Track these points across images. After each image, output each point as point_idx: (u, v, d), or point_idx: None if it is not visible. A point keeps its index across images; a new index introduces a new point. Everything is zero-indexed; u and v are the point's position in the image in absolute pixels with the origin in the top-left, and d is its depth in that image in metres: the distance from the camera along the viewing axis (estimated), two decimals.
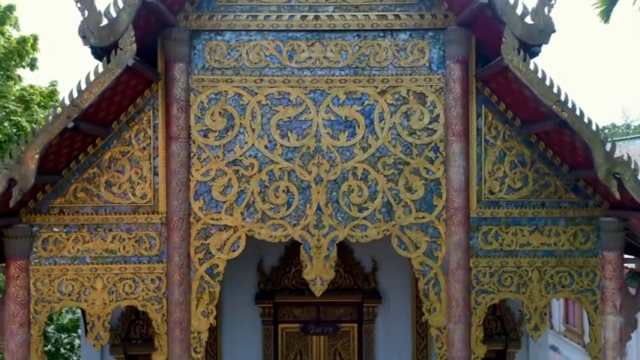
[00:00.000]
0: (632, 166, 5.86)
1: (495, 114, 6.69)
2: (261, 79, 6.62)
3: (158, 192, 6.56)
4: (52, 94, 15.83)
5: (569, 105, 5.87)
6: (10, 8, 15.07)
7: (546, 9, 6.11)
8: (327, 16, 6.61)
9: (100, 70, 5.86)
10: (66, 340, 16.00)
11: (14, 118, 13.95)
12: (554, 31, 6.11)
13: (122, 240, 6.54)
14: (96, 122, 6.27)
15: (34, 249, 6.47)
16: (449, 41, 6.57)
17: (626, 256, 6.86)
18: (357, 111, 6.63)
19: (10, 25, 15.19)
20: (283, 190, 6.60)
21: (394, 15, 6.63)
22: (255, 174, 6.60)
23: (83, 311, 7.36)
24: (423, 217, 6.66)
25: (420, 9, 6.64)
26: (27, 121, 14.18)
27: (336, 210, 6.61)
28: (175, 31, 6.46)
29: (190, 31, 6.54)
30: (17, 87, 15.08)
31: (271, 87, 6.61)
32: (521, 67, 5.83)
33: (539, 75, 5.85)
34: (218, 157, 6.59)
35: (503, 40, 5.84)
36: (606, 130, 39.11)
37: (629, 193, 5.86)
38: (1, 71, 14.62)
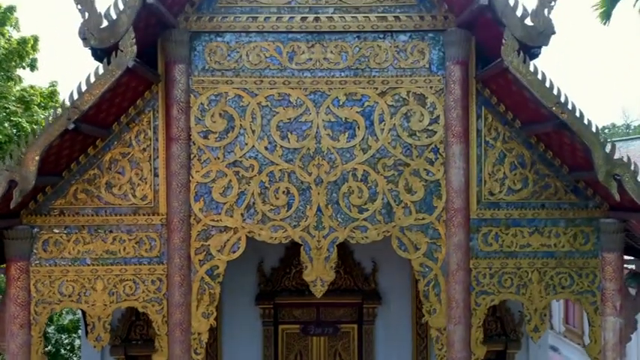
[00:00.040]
0: (632, 168, 5.87)
1: (495, 115, 6.69)
2: (262, 81, 6.62)
3: (158, 193, 6.57)
4: (52, 94, 15.83)
5: (569, 106, 5.88)
6: (11, 9, 15.07)
7: (546, 11, 6.12)
8: (327, 17, 6.62)
9: (101, 71, 5.86)
10: (66, 341, 16.01)
11: (14, 119, 13.96)
12: (553, 32, 6.12)
13: (122, 241, 6.55)
14: (96, 124, 6.28)
15: (35, 250, 6.48)
16: (449, 43, 6.57)
17: (625, 257, 6.87)
18: (357, 112, 6.64)
19: (11, 26, 15.18)
20: (283, 192, 6.61)
21: (394, 16, 6.64)
22: (255, 175, 6.60)
23: (84, 312, 7.38)
24: (423, 219, 6.66)
25: (420, 10, 6.65)
26: (27, 122, 14.18)
27: (336, 211, 6.62)
28: (175, 33, 6.46)
29: (190, 33, 6.55)
30: (17, 88, 15.08)
31: (271, 88, 6.62)
32: (521, 68, 5.84)
33: (539, 76, 5.86)
34: (218, 158, 6.60)
35: (503, 41, 5.85)
36: (606, 130, 39.12)
37: (629, 195, 5.86)
38: (1, 72, 14.62)
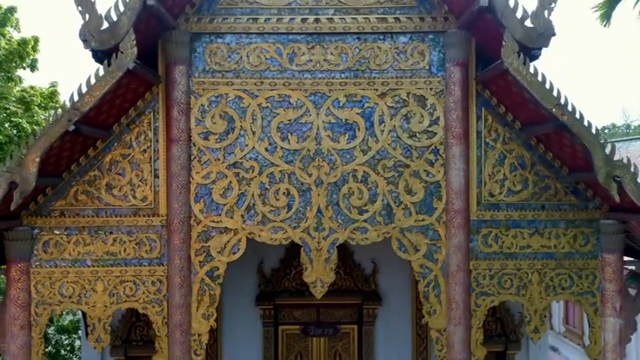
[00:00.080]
0: (632, 170, 5.87)
1: (495, 116, 6.70)
2: (262, 82, 6.63)
3: (159, 194, 6.57)
4: (52, 95, 15.83)
5: (569, 108, 5.89)
6: (12, 10, 15.07)
7: (546, 12, 6.11)
8: (327, 19, 6.63)
9: (101, 73, 5.87)
10: (66, 342, 16.01)
11: (15, 120, 13.96)
12: (554, 34, 6.12)
13: (123, 242, 6.56)
14: (97, 125, 6.29)
15: (35, 251, 6.48)
16: (449, 44, 6.58)
17: (625, 258, 6.88)
18: (357, 113, 6.65)
19: (11, 26, 15.18)
20: (284, 193, 6.61)
21: (394, 18, 6.64)
22: (255, 176, 6.61)
23: (84, 313, 7.38)
24: (423, 220, 6.67)
25: (420, 12, 6.66)
26: (27, 123, 14.18)
27: (337, 212, 6.62)
28: (176, 34, 6.47)
29: (191, 34, 6.56)
30: (18, 88, 15.08)
31: (272, 90, 6.62)
32: (521, 70, 5.84)
33: (539, 78, 5.87)
34: (218, 159, 6.61)
35: (503, 43, 5.85)
36: (606, 130, 39.12)
37: (629, 196, 5.87)
38: (1, 72, 14.62)
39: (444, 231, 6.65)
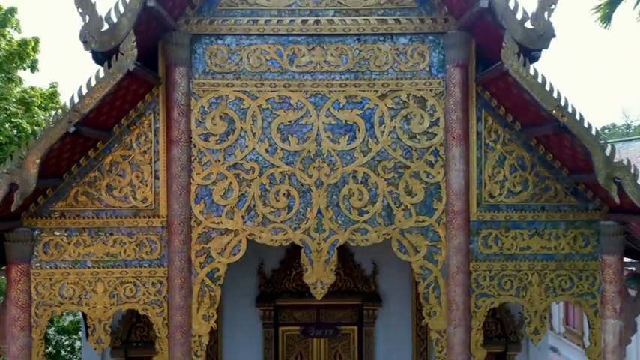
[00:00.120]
0: (632, 171, 5.88)
1: (495, 118, 6.70)
2: (262, 83, 6.63)
3: (159, 196, 6.58)
4: (52, 95, 15.85)
5: (569, 109, 5.89)
6: (12, 11, 15.08)
7: (546, 14, 6.11)
8: (327, 20, 6.63)
9: (101, 74, 5.88)
10: (67, 342, 16.01)
11: (15, 120, 13.98)
12: (554, 36, 6.12)
13: (123, 244, 6.56)
14: (97, 126, 6.29)
15: (36, 253, 6.49)
16: (449, 45, 6.59)
17: (625, 259, 6.88)
18: (357, 115, 6.65)
19: (12, 27, 15.20)
20: (284, 194, 6.62)
21: (394, 19, 6.65)
22: (255, 178, 6.61)
23: (84, 314, 7.38)
24: (423, 221, 6.67)
25: (421, 13, 6.66)
26: (28, 123, 14.20)
27: (337, 214, 6.63)
28: (176, 36, 6.48)
29: (191, 36, 6.56)
30: (18, 89, 15.10)
31: (272, 91, 6.63)
32: (521, 71, 5.85)
33: (539, 79, 5.87)
34: (219, 160, 6.61)
35: (503, 44, 5.86)
36: (606, 131, 39.11)
37: (629, 198, 5.87)
38: (2, 73, 14.63)
39: (444, 232, 6.66)
